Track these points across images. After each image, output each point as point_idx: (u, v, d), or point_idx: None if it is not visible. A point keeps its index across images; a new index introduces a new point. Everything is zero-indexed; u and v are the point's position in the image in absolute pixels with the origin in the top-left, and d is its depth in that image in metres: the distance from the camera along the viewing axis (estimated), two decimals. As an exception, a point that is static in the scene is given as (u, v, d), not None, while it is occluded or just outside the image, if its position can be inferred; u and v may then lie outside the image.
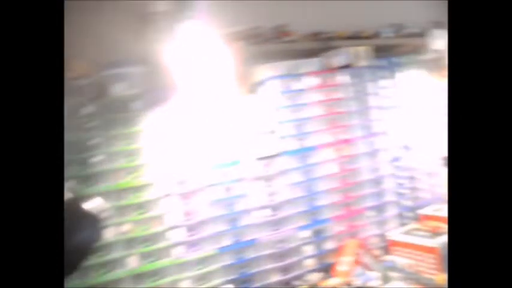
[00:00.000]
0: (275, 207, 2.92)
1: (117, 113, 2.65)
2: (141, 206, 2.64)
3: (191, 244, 2.71)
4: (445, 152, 3.69)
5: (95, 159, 2.59)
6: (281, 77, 3.01)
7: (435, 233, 2.96)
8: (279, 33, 3.07)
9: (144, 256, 2.62)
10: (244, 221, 2.85)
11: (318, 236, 3.02)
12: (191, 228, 2.71)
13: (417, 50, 3.77)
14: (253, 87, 3.07)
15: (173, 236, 2.68)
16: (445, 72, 3.77)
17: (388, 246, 3.18)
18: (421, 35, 3.69)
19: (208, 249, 2.75)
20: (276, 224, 2.92)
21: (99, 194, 2.47)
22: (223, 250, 2.78)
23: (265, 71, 2.99)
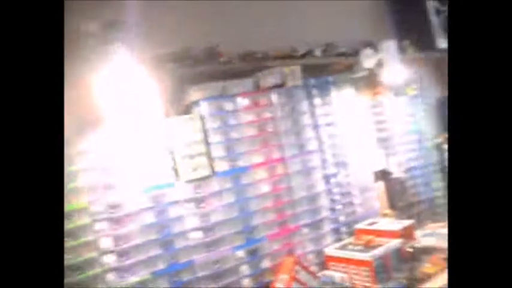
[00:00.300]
0: (210, 229, 2.91)
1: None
2: (71, 233, 2.57)
3: (124, 270, 2.65)
4: (379, 167, 3.81)
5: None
6: (213, 98, 3.01)
7: (369, 247, 3.04)
8: (211, 54, 3.08)
9: (77, 284, 2.54)
10: (179, 243, 2.82)
11: (254, 255, 3.03)
12: (123, 254, 2.66)
13: (349, 68, 3.88)
14: (186, 109, 3.07)
15: (106, 262, 2.62)
16: (377, 90, 3.92)
17: (325, 262, 3.23)
18: (352, 54, 3.79)
19: (142, 274, 2.70)
20: (211, 245, 2.91)
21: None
22: (157, 274, 2.73)
23: (198, 92, 2.99)
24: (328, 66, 3.75)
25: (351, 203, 3.63)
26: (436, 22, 4.42)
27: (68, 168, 2.59)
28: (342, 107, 3.70)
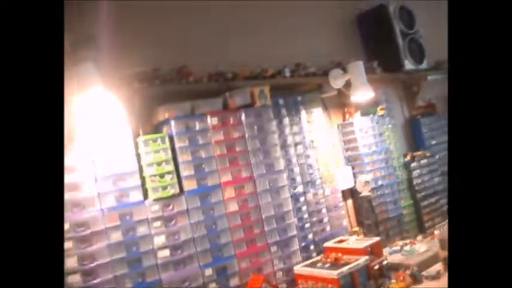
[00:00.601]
0: (178, 247, 2.91)
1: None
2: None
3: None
4: (347, 186, 3.86)
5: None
6: (182, 117, 3.04)
7: (337, 264, 3.07)
8: (180, 74, 3.11)
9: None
10: (147, 262, 2.81)
11: (223, 274, 3.03)
12: (90, 273, 2.64)
13: (318, 88, 3.95)
14: (155, 128, 3.09)
15: (70, 283, 2.59)
16: (346, 110, 3.99)
17: (293, 280, 3.25)
18: (321, 74, 3.87)
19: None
20: (180, 263, 2.90)
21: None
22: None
23: (166, 111, 3.01)
24: (297, 86, 3.82)
25: (320, 221, 3.67)
26: (402, 44, 4.54)
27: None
28: (310, 127, 3.76)
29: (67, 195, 2.64)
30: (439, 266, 3.21)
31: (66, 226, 2.61)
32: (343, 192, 3.94)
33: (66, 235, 2.61)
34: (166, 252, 2.87)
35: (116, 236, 2.75)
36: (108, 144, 2.79)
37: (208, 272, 2.98)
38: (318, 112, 3.86)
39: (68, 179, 2.64)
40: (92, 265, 2.64)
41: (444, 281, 3.03)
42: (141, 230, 2.83)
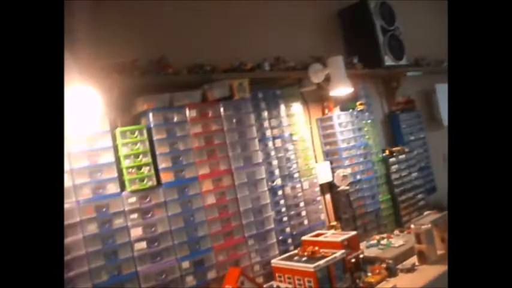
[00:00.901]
0: (155, 239, 2.90)
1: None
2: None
3: (65, 282, 2.61)
4: (325, 180, 3.88)
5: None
6: (160, 109, 3.02)
7: (313, 258, 3.08)
8: (159, 66, 3.09)
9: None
10: (123, 254, 2.80)
11: (200, 266, 3.03)
12: (65, 266, 2.61)
13: (297, 82, 3.96)
14: (133, 120, 3.07)
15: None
16: (325, 104, 4.00)
17: (271, 273, 3.26)
18: (301, 68, 3.87)
19: (84, 286, 2.66)
20: (157, 255, 2.90)
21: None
22: (100, 286, 2.70)
23: (145, 103, 2.99)
24: (276, 80, 3.81)
25: (298, 215, 3.69)
26: (382, 40, 4.57)
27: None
28: (289, 120, 3.77)
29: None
30: (414, 259, 3.26)
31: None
32: (321, 186, 3.96)
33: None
34: (143, 245, 2.86)
35: (92, 228, 2.73)
36: (84, 135, 2.76)
37: (186, 264, 2.97)
38: (297, 106, 3.87)
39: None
40: (67, 257, 2.62)
41: (419, 273, 3.09)
42: (118, 222, 2.81)
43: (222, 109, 3.27)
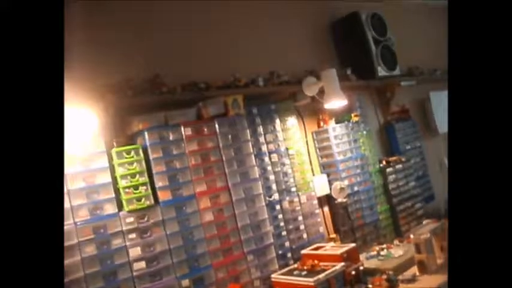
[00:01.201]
0: (153, 258, 2.89)
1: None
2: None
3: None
4: (323, 192, 3.88)
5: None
6: (156, 128, 3.03)
7: (313, 271, 3.08)
8: (153, 85, 3.11)
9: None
10: (123, 274, 2.79)
11: (199, 284, 3.02)
12: (68, 286, 2.61)
13: (292, 96, 3.98)
14: (129, 139, 3.07)
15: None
16: (320, 117, 4.02)
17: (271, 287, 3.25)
18: (294, 82, 3.89)
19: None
20: (156, 275, 2.89)
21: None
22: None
23: (140, 122, 3.01)
24: (271, 94, 3.83)
25: (297, 229, 3.69)
26: (375, 51, 4.60)
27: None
28: (285, 135, 3.78)
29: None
30: (414, 270, 3.25)
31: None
32: (319, 199, 3.96)
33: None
34: (142, 264, 2.85)
35: (90, 250, 2.72)
36: (80, 156, 2.77)
37: (185, 283, 2.96)
38: (292, 120, 3.89)
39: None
40: (66, 280, 2.61)
41: (420, 284, 3.07)
42: (116, 243, 2.80)
43: (217, 126, 3.27)
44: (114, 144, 2.91)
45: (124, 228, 2.84)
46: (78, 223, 2.71)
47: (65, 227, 2.65)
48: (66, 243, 2.64)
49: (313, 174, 4.04)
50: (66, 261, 2.63)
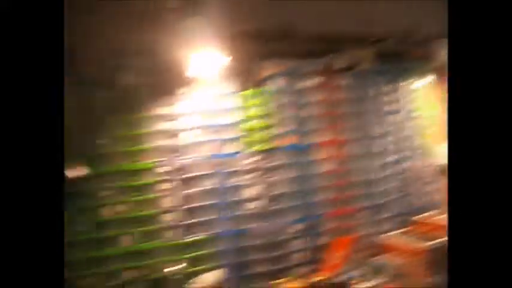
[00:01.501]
0: (270, 200, 3.01)
1: (123, 101, 2.78)
2: (138, 189, 2.76)
3: (185, 228, 2.83)
4: (443, 160, 3.72)
5: (101, 142, 2.75)
6: (286, 74, 3.11)
7: (425, 238, 3.01)
8: (286, 34, 3.13)
9: (137, 236, 2.75)
10: (237, 211, 2.95)
11: (310, 231, 3.10)
12: (186, 214, 2.81)
13: (424, 57, 3.80)
14: (258, 83, 3.15)
15: (168, 219, 2.80)
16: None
17: (379, 247, 3.23)
18: (429, 43, 3.71)
19: (200, 235, 2.86)
20: (269, 215, 3.01)
21: (101, 174, 2.63)
22: (216, 236, 2.89)
23: (271, 68, 3.07)
24: (402, 54, 3.69)
25: (413, 193, 3.59)
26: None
27: (139, 131, 2.82)
28: (414, 96, 3.65)
29: (166, 141, 2.85)
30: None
31: (168, 169, 2.82)
32: (439, 167, 3.81)
33: (163, 177, 2.82)
34: (257, 203, 2.98)
35: (210, 183, 2.90)
36: (210, 96, 2.90)
37: (297, 227, 3.06)
38: (425, 81, 3.72)
39: (168, 126, 2.85)
40: (190, 206, 2.84)
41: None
42: (235, 180, 2.95)
43: (344, 79, 3.27)
44: (246, 86, 3.00)
45: (244, 167, 2.98)
46: (202, 158, 2.90)
47: (189, 160, 2.87)
48: (189, 175, 2.86)
49: (439, 141, 3.87)
50: (189, 191, 2.85)
